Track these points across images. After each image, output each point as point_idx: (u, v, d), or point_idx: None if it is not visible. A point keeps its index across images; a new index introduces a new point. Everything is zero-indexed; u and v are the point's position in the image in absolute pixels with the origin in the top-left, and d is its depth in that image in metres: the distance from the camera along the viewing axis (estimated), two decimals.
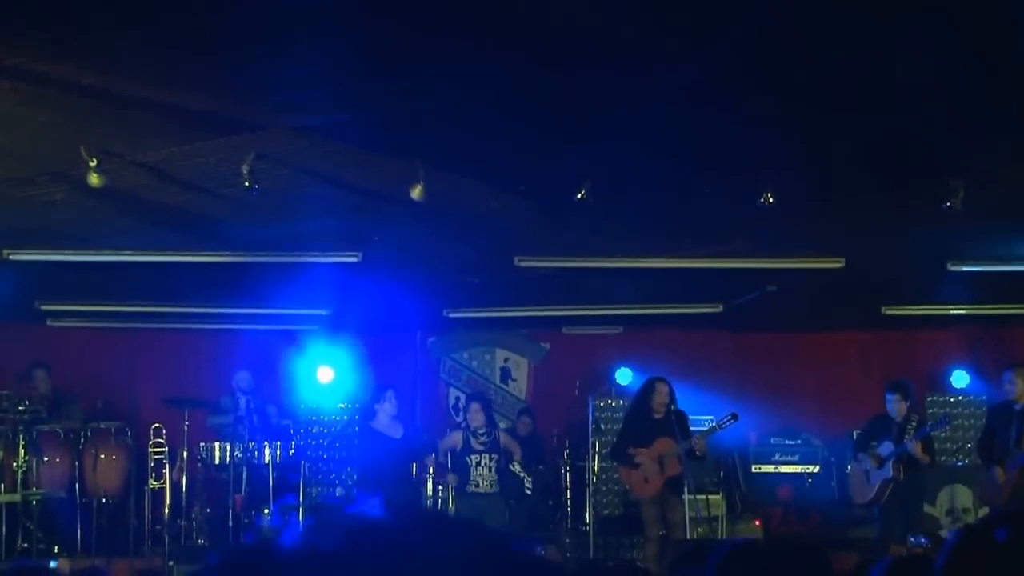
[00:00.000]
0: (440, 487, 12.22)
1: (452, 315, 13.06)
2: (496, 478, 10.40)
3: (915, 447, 9.90)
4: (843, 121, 6.98)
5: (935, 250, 10.11)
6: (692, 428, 10.30)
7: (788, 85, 6.35)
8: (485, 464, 10.34)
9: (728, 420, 10.18)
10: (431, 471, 11.93)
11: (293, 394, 12.96)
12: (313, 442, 12.79)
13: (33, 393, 11.32)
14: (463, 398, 13.96)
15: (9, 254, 9.53)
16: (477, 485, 10.36)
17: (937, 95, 6.46)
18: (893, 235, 9.69)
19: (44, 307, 12.15)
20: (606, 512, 12.63)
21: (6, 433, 10.93)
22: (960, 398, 13.39)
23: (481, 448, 10.39)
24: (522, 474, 11.59)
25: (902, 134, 7.18)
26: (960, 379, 13.67)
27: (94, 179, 7.17)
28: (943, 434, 11.61)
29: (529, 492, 11.93)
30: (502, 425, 12.42)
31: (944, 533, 10.51)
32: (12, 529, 10.61)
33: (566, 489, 12.83)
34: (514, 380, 14.46)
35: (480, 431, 10.45)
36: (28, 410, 11.01)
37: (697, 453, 9.96)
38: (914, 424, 10.11)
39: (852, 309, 12.96)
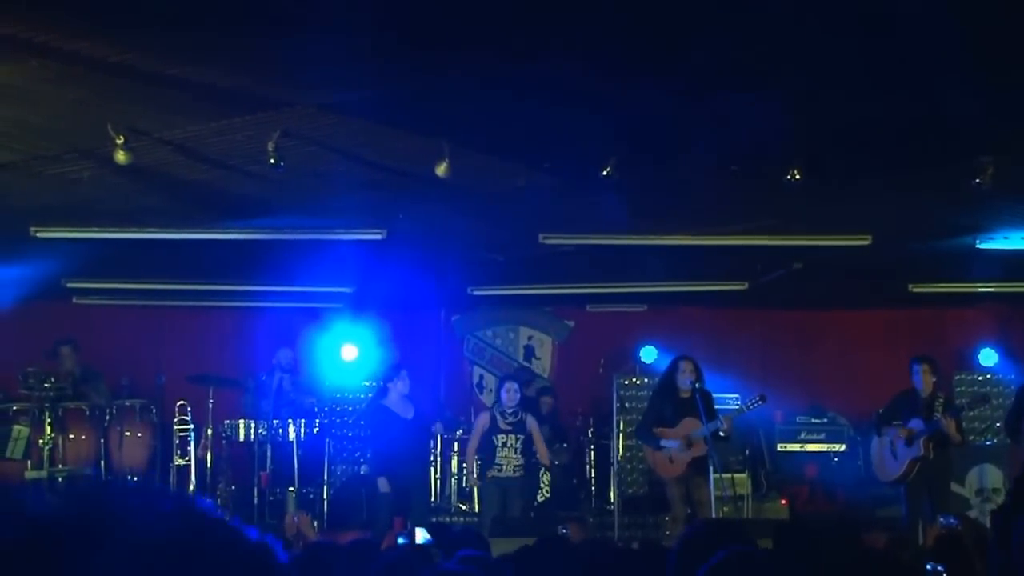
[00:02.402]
0: (464, 466, 12.24)
1: (476, 293, 13.05)
2: (521, 461, 10.38)
3: (949, 425, 9.81)
4: (871, 97, 6.91)
5: (963, 227, 10.02)
6: (717, 408, 10.26)
7: (816, 62, 6.28)
8: (511, 445, 10.32)
9: (756, 401, 10.12)
10: (441, 450, 11.89)
11: (317, 371, 12.98)
12: (337, 420, 12.84)
13: (59, 370, 11.38)
14: (487, 376, 13.99)
15: (36, 231, 9.56)
16: (500, 469, 10.33)
17: (966, 70, 6.37)
18: (921, 212, 9.61)
19: (70, 285, 12.21)
20: (630, 491, 12.62)
21: (32, 410, 11.00)
22: (989, 376, 13.29)
23: (508, 428, 10.37)
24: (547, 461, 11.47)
25: (930, 110, 7.09)
26: (988, 357, 13.58)
27: (121, 156, 7.17)
28: (972, 413, 11.51)
29: (547, 483, 11.88)
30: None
31: (974, 513, 10.44)
32: None
33: (590, 468, 12.83)
34: (538, 358, 14.45)
35: (509, 411, 10.43)
36: (54, 387, 11.06)
37: (722, 434, 9.91)
38: (941, 401, 10.01)
39: (879, 287, 12.88)
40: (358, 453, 12.84)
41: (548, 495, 11.87)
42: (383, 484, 10.17)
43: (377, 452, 10.68)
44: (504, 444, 10.34)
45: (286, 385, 11.73)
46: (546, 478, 11.89)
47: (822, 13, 5.67)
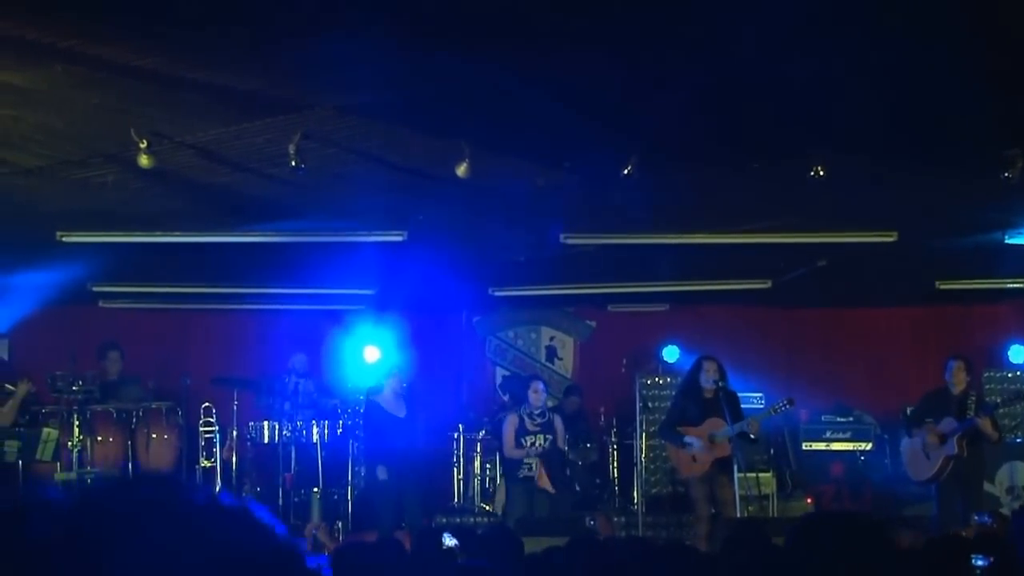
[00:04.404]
0: (488, 466, 12.23)
1: (497, 293, 13.05)
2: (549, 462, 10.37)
3: (984, 423, 9.74)
4: (895, 91, 6.87)
5: (991, 222, 9.94)
6: (742, 407, 10.23)
7: (839, 56, 6.25)
8: (540, 445, 10.31)
9: (784, 405, 10.08)
10: (464, 450, 11.91)
11: (340, 373, 13.01)
12: (360, 421, 12.86)
13: (88, 373, 11.47)
14: (509, 377, 13.98)
15: (62, 236, 9.64)
16: (530, 469, 10.33)
17: (992, 63, 6.33)
18: (948, 207, 9.53)
19: (96, 289, 12.29)
20: (654, 491, 12.60)
21: (61, 413, 11.09)
22: (1018, 373, 13.16)
23: (536, 429, 10.37)
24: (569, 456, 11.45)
25: (957, 104, 7.04)
26: (1018, 354, 13.44)
27: (144, 160, 7.22)
28: (1003, 410, 11.42)
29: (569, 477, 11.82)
30: (549, 404, 12.43)
31: (1005, 511, 10.36)
32: None
33: (613, 468, 12.81)
34: (560, 359, 14.44)
35: (536, 412, 10.42)
36: (82, 390, 11.15)
37: (752, 436, 9.86)
38: (973, 399, 9.93)
39: (905, 284, 12.80)
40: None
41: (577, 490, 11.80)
42: (381, 472, 10.19)
43: (369, 449, 10.73)
44: (533, 444, 10.33)
45: (304, 389, 11.78)
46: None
47: (847, 8, 5.64)
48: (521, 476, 10.36)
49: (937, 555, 4.77)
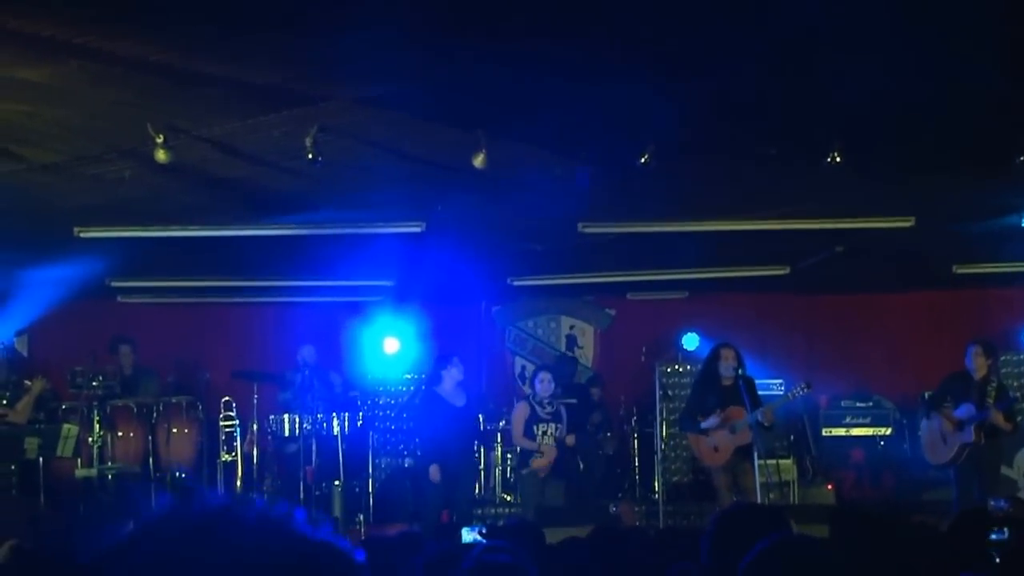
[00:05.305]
0: (509, 456, 12.23)
1: (516, 283, 13.05)
2: (560, 450, 10.37)
3: (996, 417, 9.71)
4: (912, 77, 6.82)
5: (1008, 207, 9.89)
6: (761, 394, 10.20)
7: (856, 43, 6.21)
8: (551, 434, 10.31)
9: (802, 389, 10.03)
10: (499, 440, 11.91)
11: (359, 365, 13.04)
12: (380, 413, 12.89)
13: (107, 368, 11.52)
14: (529, 367, 13.98)
15: (80, 231, 9.66)
16: (541, 456, 10.32)
17: (1008, 46, 6.29)
18: (964, 192, 9.48)
19: (115, 284, 12.33)
20: (675, 479, 12.59)
21: (81, 409, 11.15)
22: None
23: (548, 417, 10.36)
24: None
25: (972, 88, 7.00)
26: None
27: (161, 155, 7.23)
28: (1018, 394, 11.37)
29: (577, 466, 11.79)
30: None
31: (1023, 495, 10.33)
32: (90, 503, 10.81)
33: (634, 457, 12.81)
34: (580, 347, 14.43)
35: (546, 401, 10.42)
36: (102, 386, 11.21)
37: (765, 424, 9.83)
38: (994, 385, 9.88)
39: (922, 268, 12.75)
40: (402, 446, 12.89)
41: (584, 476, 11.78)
42: (434, 472, 10.07)
43: (426, 440, 10.61)
44: (544, 433, 10.33)
45: (329, 380, 11.78)
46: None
47: None
48: (533, 466, 10.36)
49: (959, 530, 4.78)
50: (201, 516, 1.37)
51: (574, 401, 12.11)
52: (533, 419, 10.37)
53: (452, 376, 10.39)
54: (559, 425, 10.37)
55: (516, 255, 11.91)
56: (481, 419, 11.82)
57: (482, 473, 12.49)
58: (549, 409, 10.41)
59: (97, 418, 11.00)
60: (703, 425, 9.93)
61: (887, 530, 3.04)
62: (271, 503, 1.40)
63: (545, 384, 10.45)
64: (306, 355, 11.88)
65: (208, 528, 1.34)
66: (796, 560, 2.51)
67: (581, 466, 11.50)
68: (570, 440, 10.48)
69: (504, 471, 12.58)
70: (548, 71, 6.51)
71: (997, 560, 4.34)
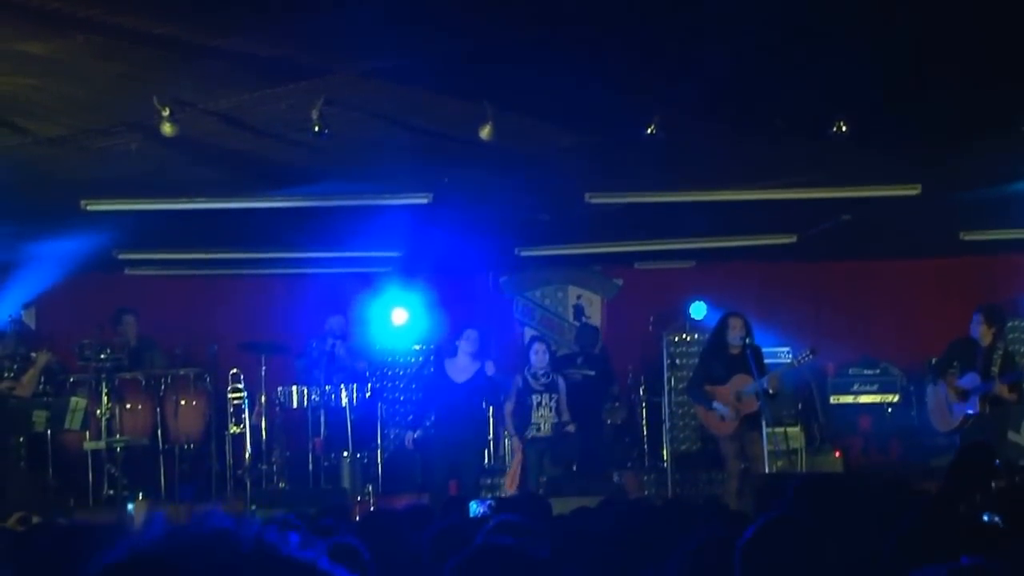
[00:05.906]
0: (504, 432, 12.26)
1: (524, 253, 13.04)
2: (557, 420, 10.41)
3: (1001, 389, 9.72)
4: (916, 44, 6.79)
5: (1014, 173, 9.86)
6: (768, 362, 10.21)
7: (860, 12, 6.18)
8: (546, 404, 10.35)
9: (807, 355, 10.03)
10: (493, 411, 11.94)
11: (367, 336, 13.05)
12: (389, 384, 12.92)
13: (115, 340, 11.54)
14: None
15: (87, 204, 9.67)
16: (539, 429, 10.38)
17: (1013, 14, 6.25)
18: (970, 159, 9.45)
19: (122, 256, 12.34)
20: (683, 448, 12.62)
21: (89, 381, 11.18)
22: None
23: (541, 388, 10.40)
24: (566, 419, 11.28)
25: (976, 53, 6.96)
26: None
27: (167, 128, 7.23)
28: None
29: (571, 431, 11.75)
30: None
31: None
32: (98, 475, 10.86)
33: (642, 426, 12.83)
34: (588, 317, 14.42)
35: (541, 372, 10.45)
36: (110, 358, 11.23)
37: (770, 391, 9.85)
38: (1000, 353, 9.87)
39: (929, 235, 12.72)
40: (410, 417, 12.92)
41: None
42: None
43: (439, 413, 10.60)
44: (539, 404, 10.38)
45: (339, 352, 11.77)
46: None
47: None
48: (529, 437, 10.41)
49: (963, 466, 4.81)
50: (196, 539, 1.38)
51: (592, 373, 12.15)
52: (527, 390, 10.40)
53: (464, 348, 10.40)
54: (554, 395, 10.40)
55: (523, 225, 11.90)
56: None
57: (491, 443, 12.52)
58: (544, 380, 10.44)
59: (105, 391, 11.03)
60: (714, 405, 9.94)
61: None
62: (266, 527, 1.41)
63: (540, 355, 10.49)
64: (334, 325, 11.87)
65: (203, 551, 1.35)
66: (791, 539, 2.53)
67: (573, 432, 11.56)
68: (571, 428, 10.53)
69: (500, 447, 12.60)
70: (555, 43, 6.49)
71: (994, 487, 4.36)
